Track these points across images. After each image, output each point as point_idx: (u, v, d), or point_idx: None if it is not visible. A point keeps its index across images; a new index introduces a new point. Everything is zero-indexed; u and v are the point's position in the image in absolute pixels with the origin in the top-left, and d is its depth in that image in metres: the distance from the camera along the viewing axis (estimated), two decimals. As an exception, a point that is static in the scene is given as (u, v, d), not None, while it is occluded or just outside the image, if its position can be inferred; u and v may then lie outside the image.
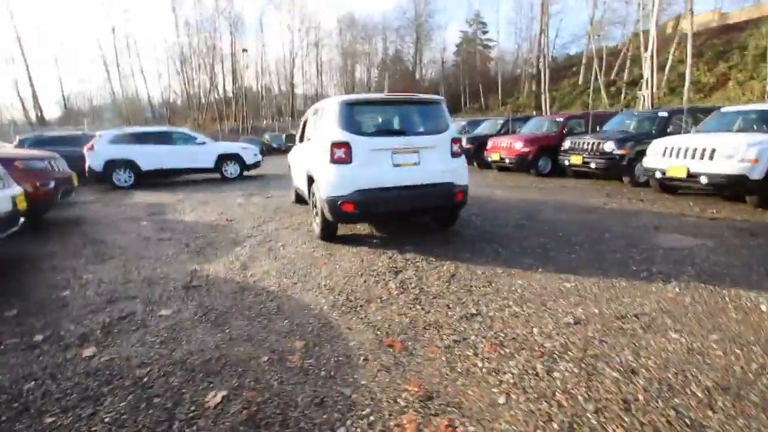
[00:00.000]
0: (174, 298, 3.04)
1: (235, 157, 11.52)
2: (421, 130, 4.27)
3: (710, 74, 22.69)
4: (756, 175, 5.64)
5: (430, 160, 4.21)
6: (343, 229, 4.76)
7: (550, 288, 3.05)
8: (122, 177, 10.26)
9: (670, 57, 24.10)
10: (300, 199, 6.83)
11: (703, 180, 6.06)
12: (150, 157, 10.38)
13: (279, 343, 2.34)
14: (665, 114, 8.63)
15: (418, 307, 2.80)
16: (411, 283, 3.23)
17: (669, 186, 7.12)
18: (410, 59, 57.37)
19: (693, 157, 6.29)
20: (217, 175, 11.58)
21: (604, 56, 29.29)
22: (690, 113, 8.53)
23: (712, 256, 3.68)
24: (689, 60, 20.95)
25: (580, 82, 31.99)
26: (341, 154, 3.96)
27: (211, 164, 11.12)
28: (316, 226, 4.63)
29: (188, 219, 6.07)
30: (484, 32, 53.48)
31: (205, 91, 44.13)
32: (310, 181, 4.73)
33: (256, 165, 12.03)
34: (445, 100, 4.60)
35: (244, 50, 37.05)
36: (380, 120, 4.22)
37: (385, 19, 55.91)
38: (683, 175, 6.34)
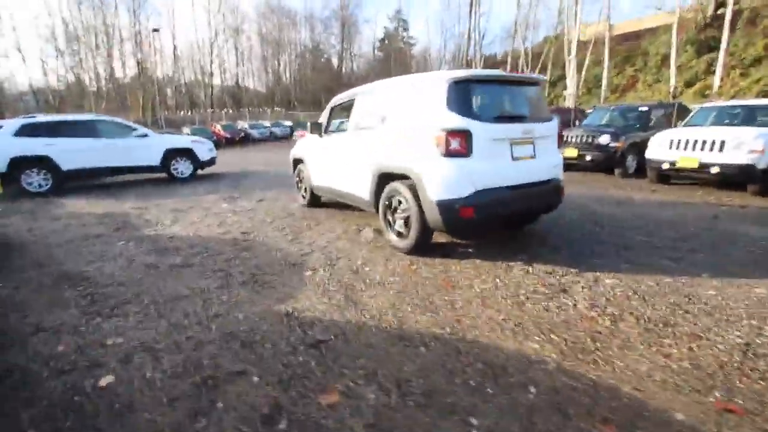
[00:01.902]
0: (314, 372, 1.95)
1: (187, 153, 9.57)
2: (535, 116, 3.58)
3: (620, 76, 25.63)
4: (763, 164, 6.06)
5: (544, 153, 3.56)
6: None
7: (744, 296, 2.63)
8: (35, 180, 7.81)
9: (587, 60, 26.68)
10: (316, 201, 5.68)
11: (714, 170, 6.37)
12: (73, 154, 8.06)
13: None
14: (646, 109, 9.12)
15: (670, 342, 2.14)
16: (600, 305, 2.55)
17: (663, 176, 7.48)
18: (336, 51, 56.02)
19: (703, 148, 6.58)
20: (163, 175, 9.53)
21: (530, 56, 31.43)
22: (667, 108, 9.15)
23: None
24: (606, 63, 23.33)
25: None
26: (458, 145, 3.10)
27: (156, 162, 9.06)
28: (397, 237, 3.69)
29: (184, 234, 4.59)
30: (405, 29, 54.44)
31: (100, 76, 37.70)
32: (383, 181, 3.76)
33: (211, 162, 10.17)
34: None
35: (155, 30, 32.21)
36: (495, 103, 3.43)
37: (307, 8, 53.31)
38: (695, 165, 6.60)
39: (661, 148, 7.26)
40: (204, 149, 9.87)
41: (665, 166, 7.13)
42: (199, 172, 10.06)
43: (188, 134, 20.58)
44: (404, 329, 2.33)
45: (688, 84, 21.46)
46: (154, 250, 4.00)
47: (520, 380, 1.84)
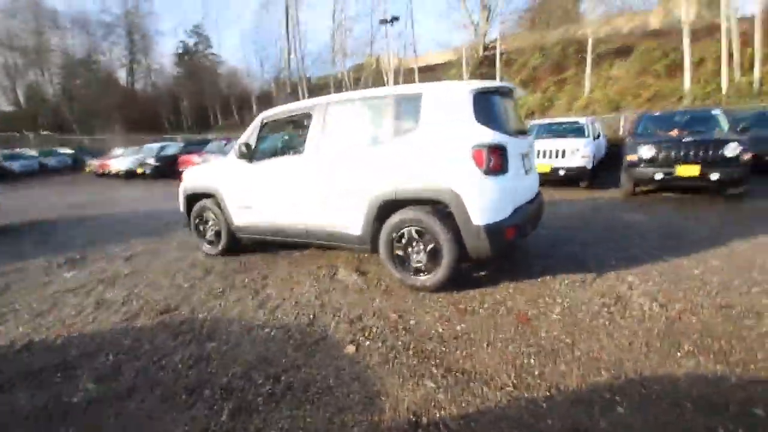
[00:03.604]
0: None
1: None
2: (523, 129, 3.54)
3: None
4: (590, 165, 7.99)
5: (533, 167, 3.58)
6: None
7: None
8: None
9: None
10: (233, 247, 4.30)
11: (561, 172, 8.01)
12: None
13: None
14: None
15: None
16: (660, 301, 2.64)
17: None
18: (123, 65, 46.98)
19: (550, 156, 8.18)
20: None
21: (351, 81, 33.56)
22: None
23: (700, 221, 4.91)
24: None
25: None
26: (497, 161, 2.76)
27: None
28: (414, 274, 3.05)
29: (50, 338, 2.67)
30: (209, 46, 50.35)
31: None
32: (386, 210, 3.06)
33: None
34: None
35: None
36: (506, 116, 3.17)
37: (73, 8, 42.62)
38: (548, 170, 8.13)
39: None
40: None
41: (526, 172, 8.53)
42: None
43: None
44: (590, 386, 1.83)
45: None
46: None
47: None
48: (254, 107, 38.55)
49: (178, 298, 3.23)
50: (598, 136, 9.55)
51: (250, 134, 3.95)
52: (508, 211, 2.84)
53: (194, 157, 14.83)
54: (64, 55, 42.28)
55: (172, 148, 17.67)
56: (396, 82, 29.74)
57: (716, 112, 7.72)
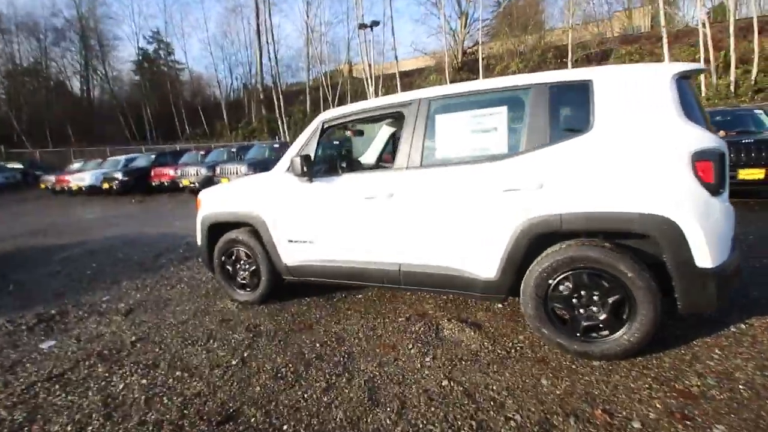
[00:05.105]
0: None
1: None
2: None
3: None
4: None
5: None
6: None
7: None
8: None
9: (380, 92, 29.62)
10: (274, 290, 3.23)
11: None
12: None
13: None
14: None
15: None
16: None
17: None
18: (76, 72, 43.60)
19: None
20: None
21: (329, 87, 32.47)
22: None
23: None
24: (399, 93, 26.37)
25: (308, 109, 34.11)
26: (720, 174, 1.92)
27: None
28: (584, 334, 2.14)
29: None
30: (170, 53, 47.62)
31: None
32: (538, 244, 2.15)
33: None
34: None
35: None
36: (702, 110, 2.33)
37: (18, 11, 38.83)
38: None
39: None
40: None
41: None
42: None
43: None
44: None
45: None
46: None
47: None
48: (225, 115, 36.70)
49: (232, 390, 2.15)
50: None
51: (306, 143, 2.91)
52: (731, 246, 2.00)
53: (170, 170, 13.36)
54: (8, 62, 38.63)
55: (141, 159, 15.96)
56: (376, 89, 29.01)
57: (758, 111, 7.35)
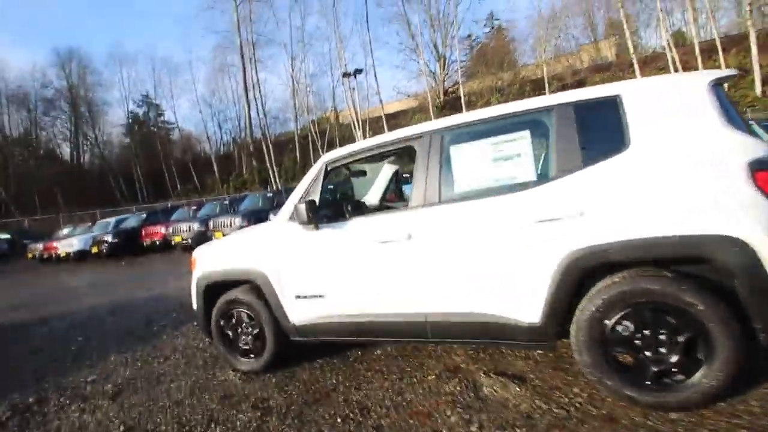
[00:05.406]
0: None
1: None
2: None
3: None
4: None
5: None
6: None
7: None
8: None
9: (367, 134, 30.26)
10: (282, 355, 2.86)
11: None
12: None
13: None
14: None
15: None
16: None
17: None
18: (66, 138, 44.11)
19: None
20: None
21: (318, 134, 33.14)
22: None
23: None
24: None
25: (297, 156, 34.56)
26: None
27: None
28: (656, 385, 1.81)
29: None
30: (160, 114, 48.67)
31: None
32: (580, 281, 1.88)
33: None
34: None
35: None
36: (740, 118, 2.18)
37: (7, 85, 39.64)
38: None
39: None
40: None
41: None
42: None
43: None
44: None
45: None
46: None
47: None
48: (215, 169, 37.00)
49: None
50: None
51: (309, 187, 2.68)
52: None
53: (161, 228, 13.04)
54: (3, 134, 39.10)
55: (132, 220, 15.66)
56: (364, 132, 29.64)
57: (750, 121, 7.42)
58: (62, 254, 14.24)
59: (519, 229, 2.00)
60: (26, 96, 39.77)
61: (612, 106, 1.95)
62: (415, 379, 2.49)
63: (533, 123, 2.14)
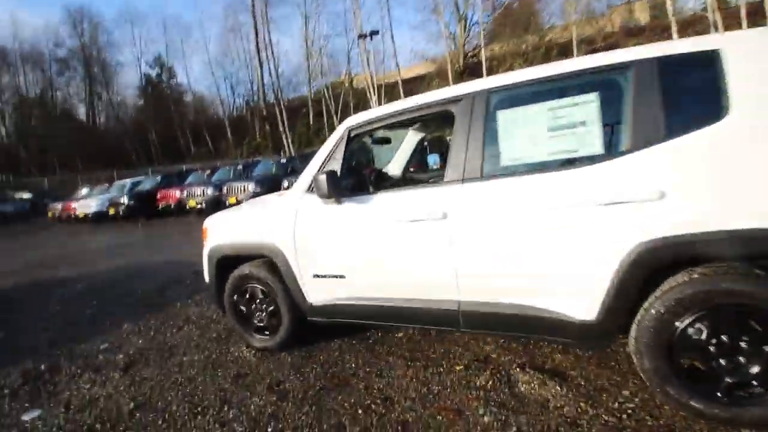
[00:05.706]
0: None
1: None
2: None
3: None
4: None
5: None
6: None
7: None
8: None
9: (383, 100, 29.31)
10: (297, 334, 2.70)
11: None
12: None
13: None
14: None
15: None
16: None
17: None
18: (81, 99, 44.04)
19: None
20: None
21: (332, 98, 32.28)
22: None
23: None
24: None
25: (311, 122, 33.91)
26: None
27: None
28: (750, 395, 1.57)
29: None
30: (172, 76, 47.82)
31: None
32: (654, 272, 1.60)
33: None
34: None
35: None
36: None
37: (23, 45, 39.30)
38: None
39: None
40: None
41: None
42: None
43: None
44: None
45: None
46: None
47: None
48: (229, 133, 36.71)
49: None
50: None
51: (329, 156, 2.40)
52: None
53: (176, 192, 12.99)
54: (15, 95, 39.23)
55: (147, 182, 15.65)
56: (379, 97, 28.69)
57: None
58: (80, 215, 14.41)
59: (578, 212, 1.70)
60: (41, 56, 39.49)
61: (708, 62, 1.58)
62: (441, 369, 2.30)
63: (603, 83, 1.78)
